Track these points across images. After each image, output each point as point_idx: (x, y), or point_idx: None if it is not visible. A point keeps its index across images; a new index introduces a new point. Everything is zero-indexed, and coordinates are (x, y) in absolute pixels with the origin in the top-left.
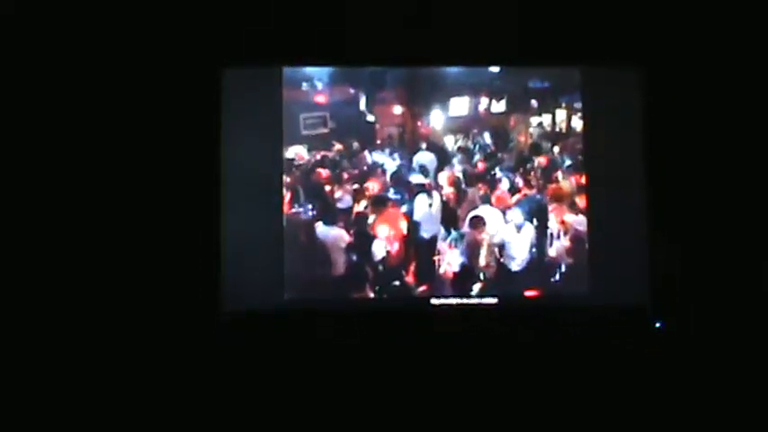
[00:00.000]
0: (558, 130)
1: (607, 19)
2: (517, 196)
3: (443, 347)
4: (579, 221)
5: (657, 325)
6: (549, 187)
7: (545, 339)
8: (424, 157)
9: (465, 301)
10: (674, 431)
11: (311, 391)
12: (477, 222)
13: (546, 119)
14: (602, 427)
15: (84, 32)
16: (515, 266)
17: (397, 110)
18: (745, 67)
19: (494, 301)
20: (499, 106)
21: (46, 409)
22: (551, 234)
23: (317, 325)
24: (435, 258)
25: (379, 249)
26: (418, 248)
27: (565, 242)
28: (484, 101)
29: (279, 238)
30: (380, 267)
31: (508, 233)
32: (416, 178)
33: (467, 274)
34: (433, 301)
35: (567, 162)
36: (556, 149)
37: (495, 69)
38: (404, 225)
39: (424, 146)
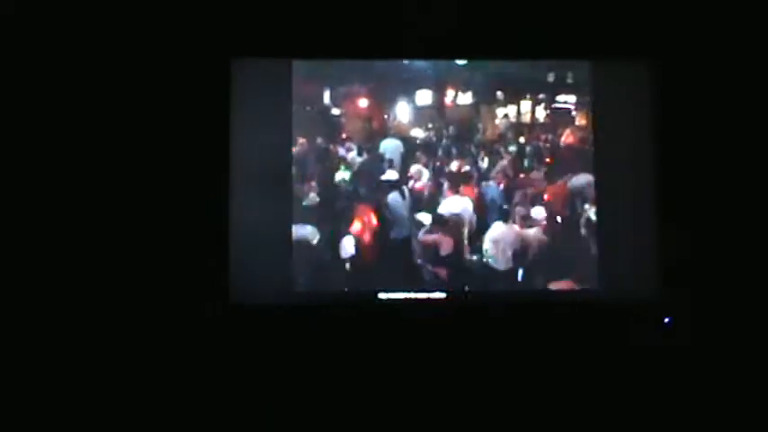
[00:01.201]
0: (523, 121)
1: (615, 11)
2: (486, 187)
3: (450, 342)
4: (539, 212)
5: (666, 320)
6: (518, 178)
7: (549, 336)
8: (390, 144)
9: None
10: (681, 427)
11: (316, 384)
12: (446, 215)
13: (511, 110)
14: (609, 423)
15: (92, 22)
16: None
17: (363, 103)
18: (755, 57)
19: (442, 295)
20: (465, 98)
21: (51, 401)
22: (518, 225)
23: (324, 319)
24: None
25: (348, 246)
26: (392, 245)
27: (533, 234)
28: (450, 93)
29: (288, 230)
30: (348, 266)
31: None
32: (389, 174)
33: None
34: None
35: (532, 152)
36: (522, 140)
37: (460, 62)
38: (374, 221)
39: (381, 132)
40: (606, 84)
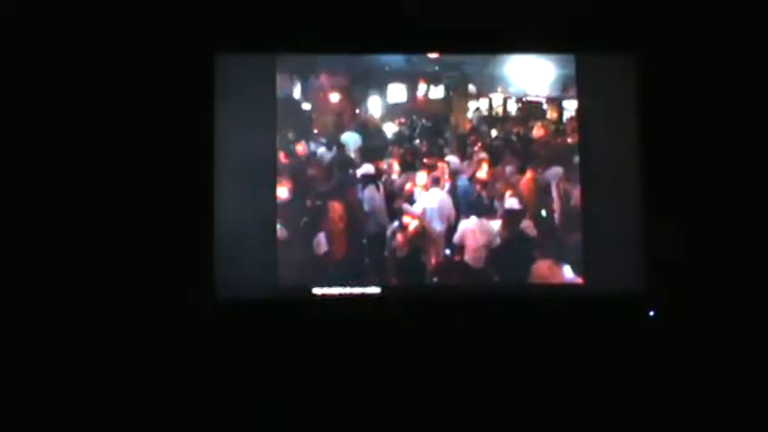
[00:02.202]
0: (494, 114)
1: (600, 5)
2: (459, 181)
3: (438, 336)
4: (512, 204)
5: (651, 314)
6: (489, 171)
7: (538, 330)
8: (350, 137)
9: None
10: (669, 423)
11: (305, 378)
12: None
13: (483, 103)
14: (594, 417)
15: (78, 20)
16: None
17: (335, 97)
18: (741, 51)
19: (377, 290)
20: (437, 92)
21: (41, 401)
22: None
23: (309, 313)
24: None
25: (320, 243)
26: (368, 239)
27: (505, 225)
28: (422, 87)
29: (272, 225)
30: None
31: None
32: (365, 168)
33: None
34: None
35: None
36: (494, 133)
37: (432, 55)
38: (346, 216)
39: (351, 127)
40: (592, 78)
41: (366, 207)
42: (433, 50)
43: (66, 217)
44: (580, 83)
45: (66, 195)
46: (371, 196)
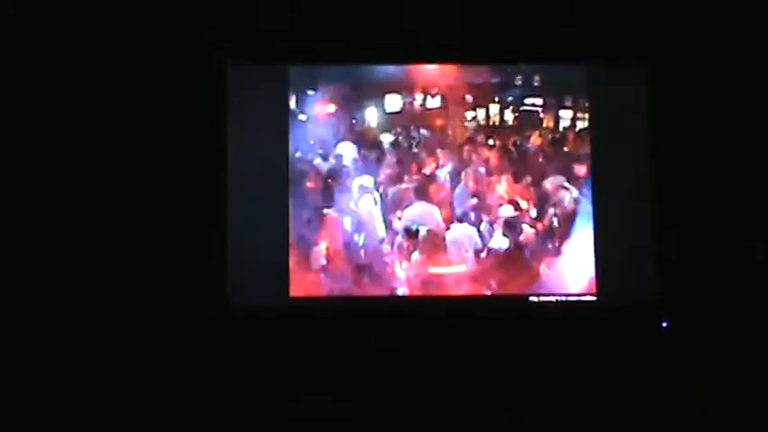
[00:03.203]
0: (491, 123)
1: (612, 14)
2: (457, 191)
3: (448, 348)
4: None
5: (664, 325)
6: (484, 181)
7: (549, 340)
8: (345, 148)
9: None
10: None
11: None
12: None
13: (480, 113)
14: (606, 428)
15: (88, 26)
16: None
17: (330, 108)
18: (751, 58)
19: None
20: (434, 102)
21: (47, 403)
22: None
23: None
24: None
25: (318, 256)
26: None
27: (503, 238)
28: (419, 97)
29: (284, 234)
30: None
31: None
32: (363, 180)
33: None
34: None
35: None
36: (491, 143)
37: (430, 66)
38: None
39: (349, 138)
40: (604, 87)
41: (363, 218)
42: (446, 61)
43: (79, 225)
44: (592, 92)
45: (79, 204)
46: (367, 207)
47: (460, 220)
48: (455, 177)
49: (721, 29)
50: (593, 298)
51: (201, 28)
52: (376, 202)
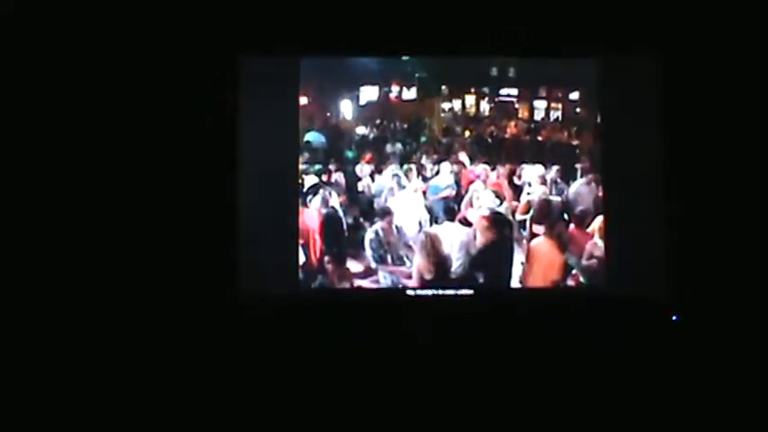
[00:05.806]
0: (468, 114)
1: (623, 6)
2: (434, 183)
3: (456, 338)
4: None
5: (674, 318)
6: (462, 172)
7: (557, 333)
8: (314, 137)
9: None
10: (687, 426)
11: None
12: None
13: (456, 104)
14: (616, 421)
15: (98, 20)
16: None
17: (303, 101)
18: (763, 51)
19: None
20: (410, 93)
21: (60, 392)
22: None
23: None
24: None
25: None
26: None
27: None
28: (395, 89)
29: (295, 225)
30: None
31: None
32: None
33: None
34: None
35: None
36: (467, 134)
37: (404, 57)
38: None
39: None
40: (613, 80)
41: (342, 212)
42: (453, 53)
43: (96, 220)
44: (601, 83)
45: (95, 199)
46: (323, 205)
47: (441, 214)
48: (432, 169)
49: (729, 20)
50: (604, 289)
51: (213, 19)
52: (330, 198)
